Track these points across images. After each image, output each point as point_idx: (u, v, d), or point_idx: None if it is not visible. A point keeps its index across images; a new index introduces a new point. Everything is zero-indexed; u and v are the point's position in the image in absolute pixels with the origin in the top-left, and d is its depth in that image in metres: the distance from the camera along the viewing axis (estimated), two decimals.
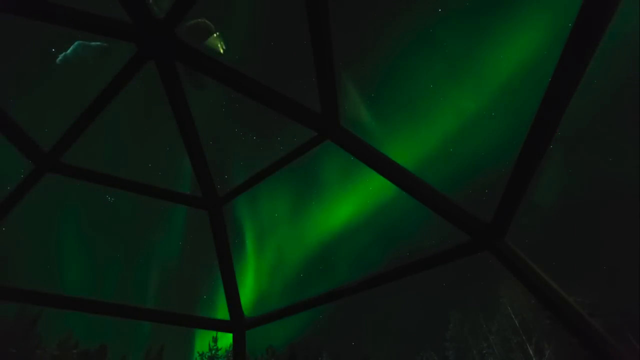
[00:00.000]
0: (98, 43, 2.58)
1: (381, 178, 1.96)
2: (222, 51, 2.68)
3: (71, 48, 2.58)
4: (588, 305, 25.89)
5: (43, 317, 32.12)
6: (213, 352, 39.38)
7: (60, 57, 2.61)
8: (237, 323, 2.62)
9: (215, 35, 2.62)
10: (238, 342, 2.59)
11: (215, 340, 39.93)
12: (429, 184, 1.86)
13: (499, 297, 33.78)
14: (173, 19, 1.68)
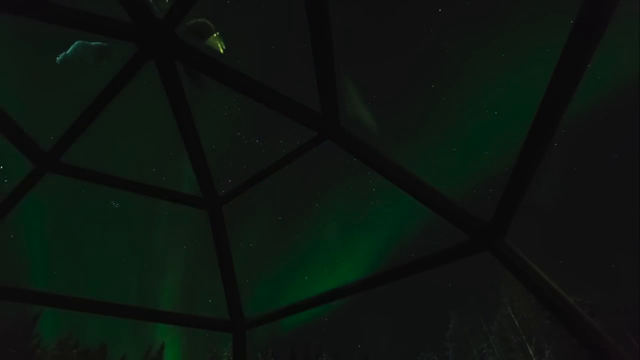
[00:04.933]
0: (98, 43, 2.57)
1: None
2: (222, 51, 2.67)
3: (71, 48, 2.57)
4: (588, 305, 25.86)
5: (43, 317, 32.15)
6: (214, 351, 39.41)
7: (60, 57, 2.60)
8: (237, 323, 2.61)
9: (215, 35, 2.62)
10: (238, 342, 2.59)
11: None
12: (429, 183, 1.86)
13: (499, 297, 33.77)
14: (173, 19, 1.68)
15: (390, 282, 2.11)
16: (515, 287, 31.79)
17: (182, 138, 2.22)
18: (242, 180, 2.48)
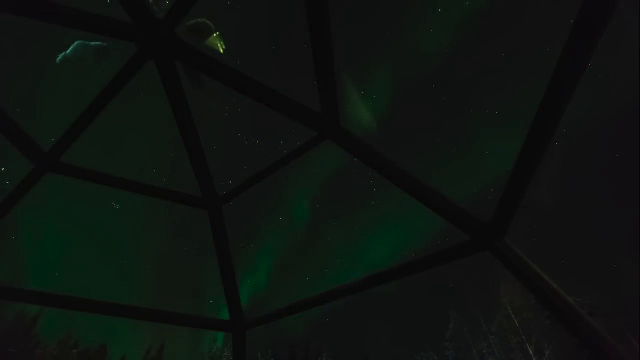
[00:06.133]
0: (98, 43, 2.58)
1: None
2: (222, 51, 2.67)
3: (71, 48, 2.57)
4: (588, 305, 25.84)
5: (43, 317, 32.16)
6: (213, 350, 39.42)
7: (60, 57, 2.61)
8: (237, 323, 2.61)
9: (215, 35, 2.62)
10: (238, 343, 2.59)
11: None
12: (429, 184, 1.86)
13: (499, 297, 33.76)
14: (173, 19, 1.68)
15: (391, 282, 2.11)
16: (515, 287, 31.79)
17: (182, 138, 2.22)
18: (242, 180, 2.48)
